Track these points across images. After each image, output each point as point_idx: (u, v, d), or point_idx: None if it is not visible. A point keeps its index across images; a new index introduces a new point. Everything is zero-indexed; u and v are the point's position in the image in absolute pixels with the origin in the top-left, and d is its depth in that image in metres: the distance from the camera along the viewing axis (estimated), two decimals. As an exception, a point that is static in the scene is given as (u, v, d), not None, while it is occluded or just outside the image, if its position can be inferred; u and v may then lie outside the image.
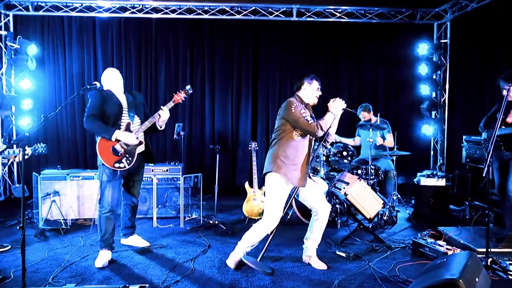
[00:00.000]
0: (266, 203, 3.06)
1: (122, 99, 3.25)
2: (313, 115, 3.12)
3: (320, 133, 2.93)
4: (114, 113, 3.14)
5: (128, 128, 3.16)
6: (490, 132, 3.45)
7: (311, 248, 3.20)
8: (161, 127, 3.32)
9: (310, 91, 3.08)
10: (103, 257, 3.19)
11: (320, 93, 3.13)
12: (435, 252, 3.26)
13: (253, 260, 3.01)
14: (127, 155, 3.15)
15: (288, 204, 3.04)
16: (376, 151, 4.84)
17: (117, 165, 3.12)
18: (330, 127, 3.06)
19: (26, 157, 2.58)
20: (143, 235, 3.93)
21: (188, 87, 3.31)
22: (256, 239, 3.05)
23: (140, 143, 3.21)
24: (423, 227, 4.13)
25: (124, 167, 3.14)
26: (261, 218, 4.34)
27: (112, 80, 3.26)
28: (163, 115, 3.20)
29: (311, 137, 3.04)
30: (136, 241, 3.58)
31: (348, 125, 5.83)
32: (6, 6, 5.52)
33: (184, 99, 3.32)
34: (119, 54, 5.87)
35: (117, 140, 3.11)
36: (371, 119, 4.95)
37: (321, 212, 3.08)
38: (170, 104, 3.25)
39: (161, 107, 3.21)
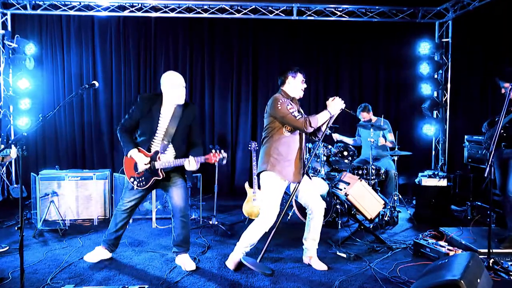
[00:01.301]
0: (262, 202, 3.04)
1: (164, 116, 2.95)
2: (300, 109, 3.09)
3: (309, 129, 2.89)
4: (146, 133, 2.96)
5: (154, 157, 2.94)
6: (492, 131, 3.42)
7: (311, 248, 3.17)
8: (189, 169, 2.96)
9: (295, 84, 3.04)
10: (95, 254, 3.21)
11: (305, 85, 3.08)
12: (436, 252, 3.24)
13: (253, 261, 2.98)
14: (142, 178, 3.01)
15: (287, 204, 3.01)
16: (377, 151, 4.82)
17: (132, 180, 3.05)
18: (324, 124, 3.03)
19: (6, 160, 2.52)
20: (142, 235, 3.92)
21: (223, 153, 2.89)
22: (255, 239, 3.03)
23: (157, 175, 2.94)
24: (424, 228, 4.12)
25: (136, 186, 3.03)
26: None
27: (165, 89, 2.94)
28: (188, 167, 2.89)
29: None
30: (182, 261, 3.13)
31: (349, 125, 5.81)
32: (4, 4, 5.49)
33: (217, 162, 2.90)
34: (118, 53, 5.84)
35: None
36: (371, 119, 4.92)
37: (315, 210, 3.06)
38: (201, 159, 2.90)
39: (190, 156, 2.89)
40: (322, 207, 3.08)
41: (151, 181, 3.00)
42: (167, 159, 2.96)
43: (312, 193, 3.07)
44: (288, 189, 3.11)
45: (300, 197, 3.10)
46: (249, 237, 3.02)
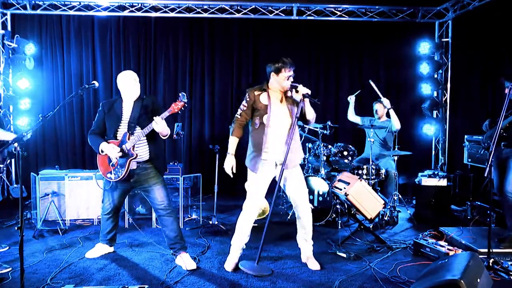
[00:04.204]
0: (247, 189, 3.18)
1: (126, 109, 3.12)
2: (275, 102, 3.02)
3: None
4: (113, 126, 3.10)
5: (124, 138, 3.03)
6: (492, 131, 3.42)
7: (305, 248, 3.20)
8: (164, 136, 3.07)
9: (276, 80, 3.02)
10: (97, 250, 3.36)
11: (290, 79, 3.03)
12: (436, 252, 3.24)
13: (251, 266, 2.99)
14: (118, 167, 3.07)
15: (275, 195, 3.03)
16: (380, 150, 4.83)
17: (108, 175, 3.12)
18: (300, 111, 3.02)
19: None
20: (142, 235, 3.92)
21: (181, 95, 2.95)
22: (245, 228, 3.07)
23: (129, 155, 3.01)
24: (424, 228, 4.12)
25: (114, 178, 3.08)
26: (262, 218, 4.34)
27: (120, 86, 3.14)
28: (157, 127, 2.91)
29: (271, 123, 2.99)
30: (183, 261, 3.11)
31: (350, 124, 5.80)
32: (3, 4, 5.49)
33: (182, 109, 2.97)
34: (117, 53, 5.84)
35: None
36: (383, 115, 4.95)
37: (300, 211, 3.10)
38: (165, 114, 2.94)
39: (154, 117, 2.92)
40: (307, 209, 3.10)
41: (127, 164, 3.02)
42: (136, 135, 3.03)
43: (299, 193, 3.08)
44: (285, 185, 3.13)
45: (288, 194, 3.14)
46: (240, 228, 3.07)
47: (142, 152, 3.08)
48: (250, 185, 3.11)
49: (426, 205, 4.67)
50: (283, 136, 3.01)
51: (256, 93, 3.02)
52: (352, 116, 5.11)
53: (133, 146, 3.02)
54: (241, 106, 3.06)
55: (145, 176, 3.11)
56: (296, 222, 3.19)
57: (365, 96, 5.43)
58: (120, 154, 3.01)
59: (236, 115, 3.07)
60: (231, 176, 3.12)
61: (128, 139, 3.02)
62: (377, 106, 4.96)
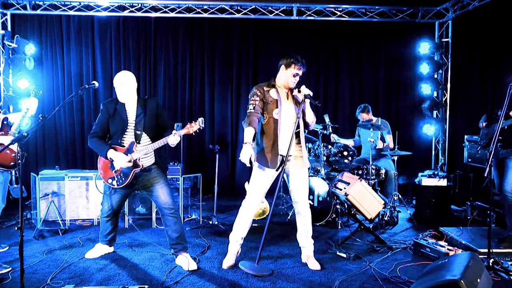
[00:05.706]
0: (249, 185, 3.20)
1: (131, 112, 3.05)
2: (282, 99, 3.03)
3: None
4: (118, 130, 3.02)
5: (130, 148, 2.98)
6: (491, 130, 3.42)
7: (305, 246, 3.20)
8: (172, 145, 3.03)
9: (282, 74, 3.05)
10: (97, 250, 3.35)
11: (296, 78, 3.04)
12: (436, 252, 3.25)
13: (251, 266, 2.99)
14: (121, 174, 3.02)
15: (275, 195, 3.04)
16: (377, 150, 4.82)
17: (110, 181, 3.09)
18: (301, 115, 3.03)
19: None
20: (142, 235, 3.92)
21: (200, 120, 2.97)
22: (243, 223, 3.10)
23: (136, 165, 2.98)
24: (424, 228, 4.12)
25: (117, 185, 3.05)
26: (262, 218, 4.34)
27: (117, 88, 3.04)
28: (172, 141, 2.95)
29: (280, 120, 3.01)
30: (183, 261, 3.11)
31: (349, 124, 5.81)
32: (3, 5, 5.50)
33: (197, 131, 2.98)
34: (117, 54, 5.84)
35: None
36: (371, 119, 4.93)
37: (299, 207, 3.11)
38: (181, 133, 2.97)
39: (174, 131, 2.94)
40: (305, 205, 3.12)
41: (131, 174, 3.00)
42: (144, 146, 3.01)
43: (300, 190, 3.10)
44: (288, 178, 3.14)
45: (290, 189, 3.15)
46: (237, 222, 3.11)
47: (149, 161, 3.07)
48: (256, 181, 3.08)
49: (426, 205, 4.67)
50: (289, 132, 3.03)
51: (265, 88, 3.04)
52: (350, 141, 5.11)
53: (139, 157, 2.99)
54: (251, 102, 3.02)
55: (147, 177, 3.10)
56: (296, 219, 3.19)
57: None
58: (130, 164, 2.97)
59: (250, 110, 3.01)
60: (248, 165, 3.02)
61: (135, 148, 2.98)
62: (361, 116, 4.96)
